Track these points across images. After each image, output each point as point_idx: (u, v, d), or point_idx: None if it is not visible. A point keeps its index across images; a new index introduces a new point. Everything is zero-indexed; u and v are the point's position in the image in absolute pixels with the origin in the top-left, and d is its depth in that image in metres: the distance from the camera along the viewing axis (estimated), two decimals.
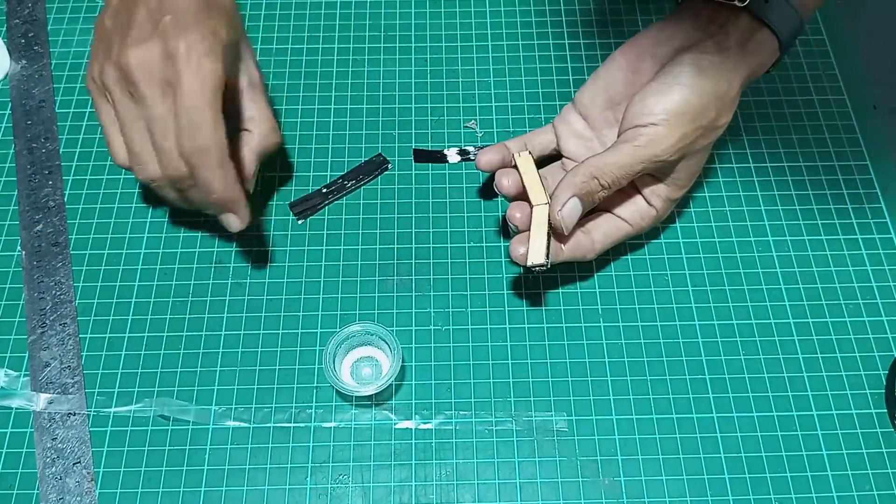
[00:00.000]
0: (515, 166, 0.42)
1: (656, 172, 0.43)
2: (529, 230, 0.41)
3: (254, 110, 0.43)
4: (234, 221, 0.41)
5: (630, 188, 0.44)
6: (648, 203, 0.44)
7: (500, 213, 0.49)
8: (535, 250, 0.40)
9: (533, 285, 0.46)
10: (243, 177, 0.43)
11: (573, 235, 0.43)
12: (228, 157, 0.38)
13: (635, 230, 0.45)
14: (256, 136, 0.43)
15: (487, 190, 0.49)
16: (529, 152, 0.43)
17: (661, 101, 0.40)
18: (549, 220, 0.41)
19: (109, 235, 0.48)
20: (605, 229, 0.44)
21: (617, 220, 0.44)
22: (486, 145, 0.51)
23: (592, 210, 0.43)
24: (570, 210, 0.40)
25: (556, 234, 0.42)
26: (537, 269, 0.40)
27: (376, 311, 0.45)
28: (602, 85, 0.45)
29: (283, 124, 0.52)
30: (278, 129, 0.44)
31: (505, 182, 0.42)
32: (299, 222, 0.47)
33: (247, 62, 0.43)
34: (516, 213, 0.41)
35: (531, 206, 0.41)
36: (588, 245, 0.43)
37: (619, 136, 0.42)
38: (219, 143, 0.38)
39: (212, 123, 0.37)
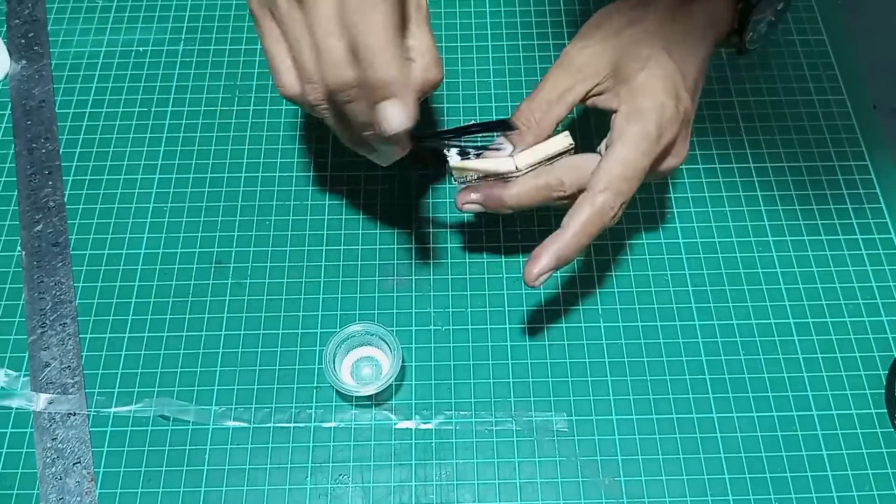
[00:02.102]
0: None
1: (601, 80, 0.41)
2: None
3: (417, 39, 0.37)
4: (398, 113, 0.33)
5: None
6: (616, 109, 0.40)
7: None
8: (463, 162, 0.41)
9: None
10: None
11: (572, 209, 0.39)
12: (398, 34, 0.33)
13: (629, 141, 0.39)
14: (418, 68, 0.37)
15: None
16: (573, 146, 0.41)
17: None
18: (501, 173, 0.41)
19: (109, 235, 0.48)
20: (597, 168, 0.39)
21: (605, 151, 0.40)
22: (486, 146, 0.51)
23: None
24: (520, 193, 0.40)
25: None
26: (449, 171, 0.41)
27: (376, 311, 0.45)
28: None
29: (282, 125, 0.52)
30: (441, 63, 0.37)
31: (466, 200, 0.41)
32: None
33: None
34: (465, 197, 0.41)
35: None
36: (588, 195, 0.39)
37: None
38: (387, 11, 0.32)
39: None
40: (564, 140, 0.41)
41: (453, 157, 0.50)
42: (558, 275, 0.46)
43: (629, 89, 0.40)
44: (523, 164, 0.40)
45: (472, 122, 0.46)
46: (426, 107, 0.52)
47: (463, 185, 0.41)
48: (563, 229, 0.39)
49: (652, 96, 0.39)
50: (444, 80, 0.53)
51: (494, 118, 0.52)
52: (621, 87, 0.40)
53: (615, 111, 0.40)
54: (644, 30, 0.41)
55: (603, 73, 0.41)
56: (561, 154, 0.41)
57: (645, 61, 0.40)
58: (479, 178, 0.41)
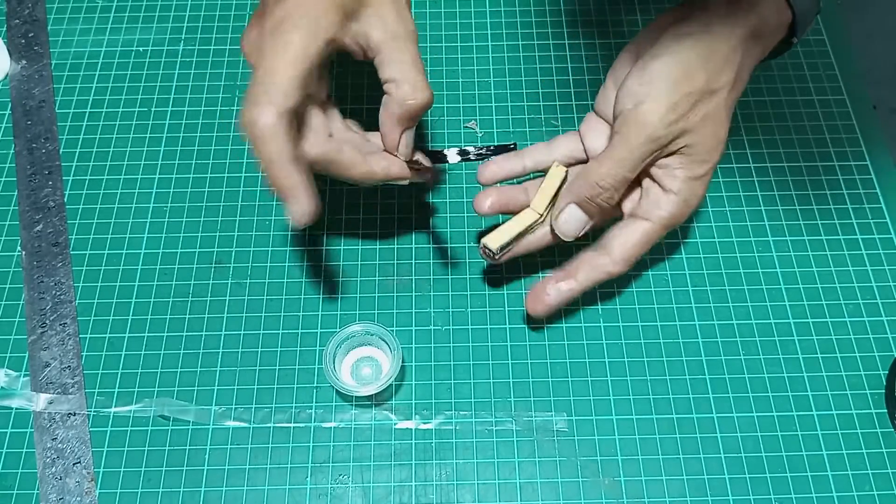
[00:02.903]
0: (544, 171, 0.42)
1: (668, 152, 0.40)
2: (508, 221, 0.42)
3: (396, 69, 0.38)
4: (294, 213, 0.35)
5: (645, 177, 0.41)
6: (665, 189, 0.40)
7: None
8: (498, 235, 0.40)
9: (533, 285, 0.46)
10: (389, 148, 0.39)
11: (589, 259, 0.41)
12: (282, 132, 0.35)
13: (659, 224, 0.40)
14: (393, 97, 0.38)
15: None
16: (567, 170, 0.42)
17: (640, 78, 0.39)
18: (530, 226, 0.41)
19: (109, 235, 0.48)
20: (621, 238, 0.41)
21: (635, 223, 0.41)
22: (487, 146, 0.51)
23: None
24: (568, 216, 0.40)
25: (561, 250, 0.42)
26: (487, 253, 0.41)
27: (376, 311, 0.45)
28: (611, 85, 0.43)
29: None
30: (422, 86, 0.38)
31: (486, 204, 0.42)
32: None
33: (382, 13, 0.37)
34: (486, 202, 0.41)
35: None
36: (604, 261, 0.41)
37: (612, 131, 0.41)
38: (277, 138, 0.35)
39: (268, 90, 0.34)
40: (561, 171, 0.42)
41: (452, 155, 0.51)
42: None
43: (687, 184, 0.40)
44: (542, 208, 0.42)
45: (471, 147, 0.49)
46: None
47: (500, 258, 0.42)
48: (575, 279, 0.41)
49: (702, 189, 0.41)
50: (445, 81, 0.54)
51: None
52: (682, 176, 0.40)
53: (661, 187, 0.41)
54: (721, 97, 0.40)
55: (679, 152, 0.40)
56: (563, 182, 0.42)
57: (712, 151, 0.40)
58: (509, 242, 0.41)
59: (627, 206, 0.42)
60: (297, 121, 0.38)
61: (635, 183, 0.42)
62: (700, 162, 0.40)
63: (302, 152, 0.38)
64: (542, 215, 0.42)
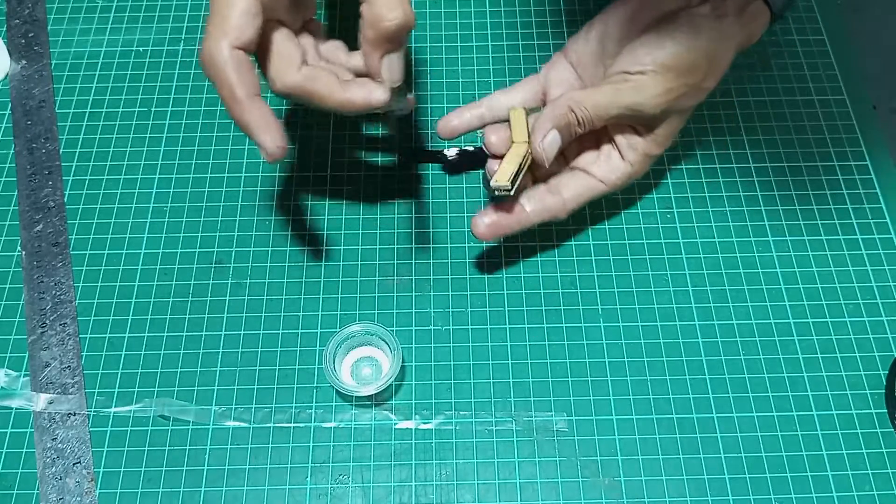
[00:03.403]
0: (508, 119, 0.43)
1: (634, 124, 0.43)
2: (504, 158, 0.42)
3: None
4: (262, 148, 0.35)
5: (606, 142, 0.44)
6: (623, 158, 0.44)
7: None
8: (503, 172, 0.41)
9: (533, 285, 0.46)
10: (372, 74, 0.37)
11: (540, 196, 0.43)
12: (239, 66, 0.34)
13: (609, 188, 0.44)
14: (366, 18, 0.35)
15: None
16: (525, 110, 0.43)
17: (653, 52, 0.40)
18: (524, 156, 0.41)
19: (109, 235, 0.48)
20: (575, 188, 0.44)
21: (589, 179, 0.44)
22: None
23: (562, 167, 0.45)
24: (551, 141, 0.41)
25: (536, 172, 0.43)
26: (502, 192, 0.40)
27: (376, 311, 0.45)
28: (596, 35, 0.44)
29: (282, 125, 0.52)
30: (397, 4, 0.35)
31: (493, 138, 0.42)
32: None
33: None
34: (492, 136, 0.42)
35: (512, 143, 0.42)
36: (557, 205, 0.43)
37: (604, 79, 0.42)
38: (223, 45, 0.34)
39: (222, 24, 0.34)
40: (521, 111, 0.43)
41: (452, 155, 0.51)
42: (558, 274, 0.46)
43: (641, 158, 0.44)
44: (526, 137, 0.42)
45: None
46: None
47: (499, 198, 0.42)
48: (526, 211, 0.43)
49: (647, 167, 0.45)
50: (445, 81, 0.54)
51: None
52: (641, 150, 0.44)
53: (621, 155, 0.44)
54: (703, 96, 0.43)
55: (647, 129, 0.43)
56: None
57: (669, 138, 0.44)
58: (515, 174, 0.41)
59: (581, 162, 0.45)
60: (263, 50, 0.37)
61: (594, 144, 0.45)
62: (658, 144, 0.44)
63: (272, 82, 0.37)
64: (528, 142, 0.42)
